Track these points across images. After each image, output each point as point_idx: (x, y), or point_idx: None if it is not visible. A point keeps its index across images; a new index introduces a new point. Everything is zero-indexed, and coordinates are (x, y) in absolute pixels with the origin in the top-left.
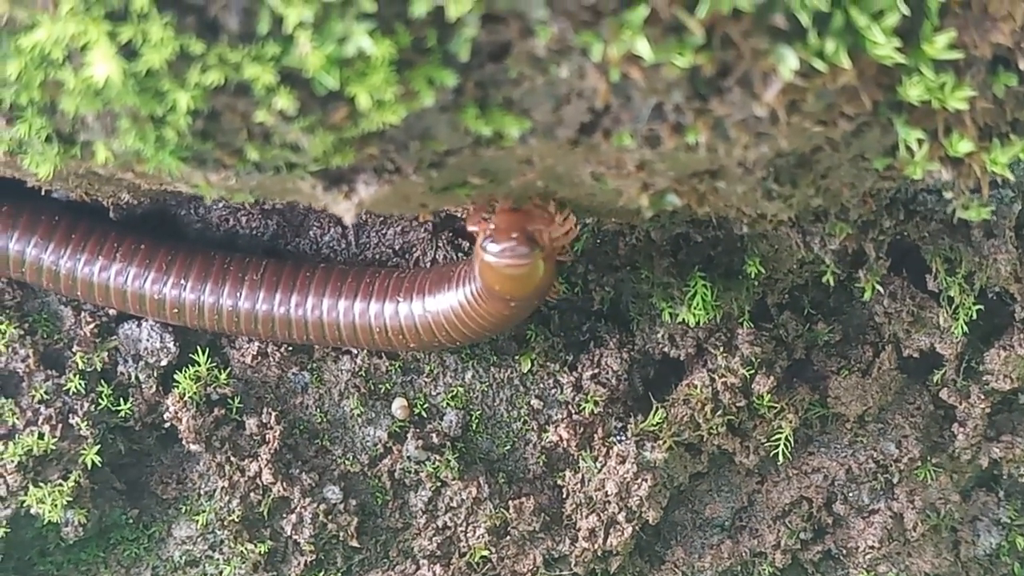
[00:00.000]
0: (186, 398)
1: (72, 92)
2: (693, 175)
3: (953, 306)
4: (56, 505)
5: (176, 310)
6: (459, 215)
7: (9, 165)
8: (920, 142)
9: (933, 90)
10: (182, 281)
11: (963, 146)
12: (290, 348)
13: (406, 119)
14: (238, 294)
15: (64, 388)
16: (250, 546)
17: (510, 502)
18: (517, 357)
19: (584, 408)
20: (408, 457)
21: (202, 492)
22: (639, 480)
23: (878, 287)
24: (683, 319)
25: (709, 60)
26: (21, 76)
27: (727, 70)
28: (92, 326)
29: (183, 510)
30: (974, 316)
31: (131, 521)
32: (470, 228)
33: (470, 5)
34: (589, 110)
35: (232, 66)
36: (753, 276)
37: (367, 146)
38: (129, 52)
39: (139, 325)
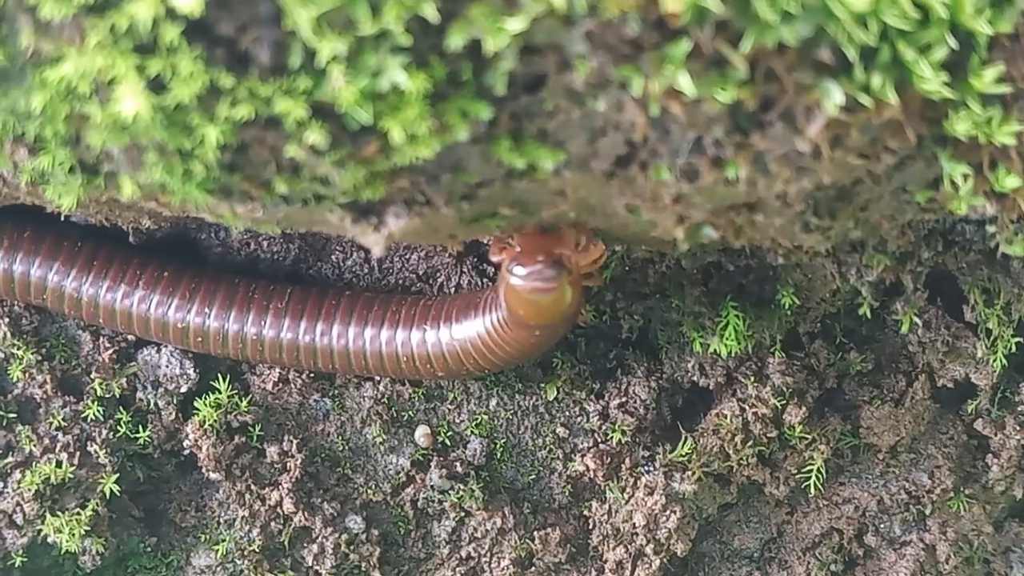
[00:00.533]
0: (206, 426)
1: (98, 126)
2: (730, 208)
3: (991, 338)
4: (74, 534)
5: (200, 338)
6: (485, 242)
7: (31, 194)
8: (965, 177)
9: (980, 125)
10: (206, 309)
11: (1009, 181)
12: (311, 374)
13: (438, 151)
14: (263, 322)
15: (82, 415)
16: None
17: (535, 533)
18: (543, 384)
19: (611, 437)
20: (431, 486)
21: (222, 521)
22: (667, 512)
23: (915, 319)
24: (714, 349)
25: (751, 94)
26: (46, 109)
27: (769, 104)
28: (111, 352)
29: (202, 539)
30: (1013, 349)
31: (149, 549)
32: (493, 258)
33: (508, 39)
34: (626, 143)
35: (263, 100)
36: (787, 307)
37: (398, 179)
38: (157, 86)
39: (158, 351)
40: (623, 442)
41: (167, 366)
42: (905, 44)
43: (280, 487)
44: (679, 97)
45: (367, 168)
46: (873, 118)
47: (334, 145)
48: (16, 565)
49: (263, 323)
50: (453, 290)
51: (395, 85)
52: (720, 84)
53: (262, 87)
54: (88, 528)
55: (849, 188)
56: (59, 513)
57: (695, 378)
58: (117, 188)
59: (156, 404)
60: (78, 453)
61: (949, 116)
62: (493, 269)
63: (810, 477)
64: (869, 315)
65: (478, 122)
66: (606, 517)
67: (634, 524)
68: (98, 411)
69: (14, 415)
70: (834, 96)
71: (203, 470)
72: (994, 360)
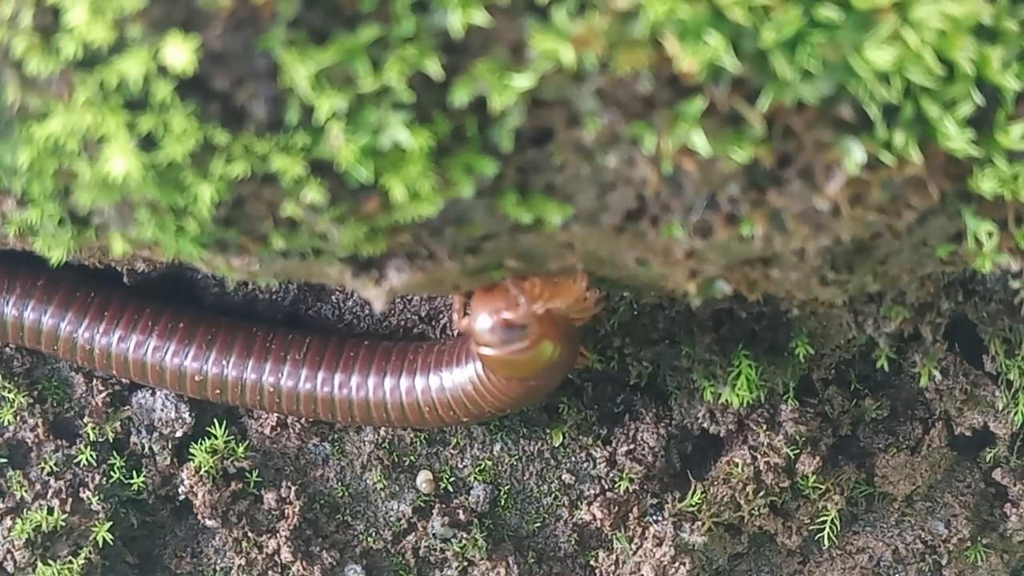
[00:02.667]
0: (202, 472)
1: (87, 184)
2: (745, 262)
3: (1012, 389)
4: None
5: (219, 390)
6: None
7: (20, 241)
8: (990, 234)
9: (1006, 182)
10: (224, 359)
11: None
12: (308, 420)
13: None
14: (265, 369)
15: (75, 459)
16: None
17: None
18: (548, 430)
19: (619, 485)
20: (433, 534)
21: (218, 568)
22: (677, 563)
23: (934, 371)
24: (726, 399)
25: (768, 152)
26: (33, 165)
27: (787, 161)
28: (104, 395)
29: None
30: None
31: None
32: (461, 328)
33: (515, 97)
34: (636, 197)
35: (259, 157)
36: (801, 356)
37: (400, 234)
38: (149, 143)
39: (153, 394)
40: (631, 490)
41: (162, 410)
42: (929, 100)
43: (278, 534)
44: (693, 155)
45: (368, 224)
46: (895, 175)
47: (333, 202)
48: None
49: (265, 370)
50: (456, 333)
51: (396, 142)
52: (736, 142)
53: (258, 144)
54: None
55: (868, 242)
56: (51, 561)
57: (705, 425)
58: (107, 244)
59: (151, 448)
60: (70, 499)
61: (974, 173)
62: None
63: (824, 528)
64: (887, 367)
65: (483, 178)
66: (613, 568)
67: (642, 575)
68: (91, 455)
69: (5, 459)
70: (855, 154)
71: (199, 516)
72: (1016, 412)
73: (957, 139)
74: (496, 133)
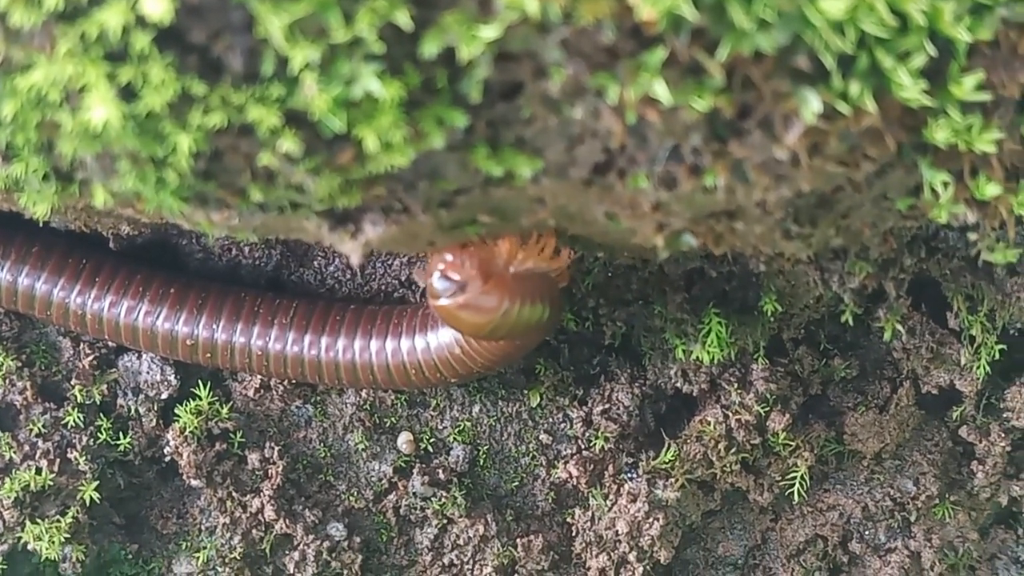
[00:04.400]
0: (187, 432)
1: (70, 134)
2: (710, 215)
3: (975, 345)
4: (54, 541)
5: (209, 353)
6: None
7: (6, 200)
8: (945, 184)
9: (960, 132)
10: (214, 323)
11: (990, 189)
12: (293, 381)
13: (415, 159)
14: (252, 333)
15: (62, 421)
16: None
17: (518, 540)
18: (526, 391)
19: (594, 444)
20: (414, 493)
21: (203, 528)
22: (651, 519)
23: (898, 326)
24: (697, 356)
25: (729, 102)
26: (17, 117)
27: (747, 112)
28: (91, 358)
29: (183, 546)
30: (997, 356)
31: (130, 556)
32: (420, 282)
33: (482, 47)
34: (603, 150)
35: (235, 108)
36: (769, 314)
37: (374, 186)
38: (129, 94)
39: (139, 357)
40: (606, 449)
41: (148, 372)
42: (883, 52)
43: (261, 494)
44: (655, 105)
45: (342, 176)
46: (852, 126)
47: (308, 153)
48: None
49: (253, 334)
50: None
51: (368, 93)
52: (697, 92)
53: (235, 95)
54: (68, 535)
55: (830, 195)
56: (39, 520)
57: (678, 384)
58: (91, 196)
59: (137, 411)
60: (58, 460)
61: (928, 124)
62: None
63: (794, 484)
64: (852, 322)
65: (454, 130)
66: (589, 524)
67: (617, 531)
68: (78, 417)
69: None
70: (812, 104)
71: (184, 477)
72: (977, 367)
73: (911, 89)
74: (465, 84)
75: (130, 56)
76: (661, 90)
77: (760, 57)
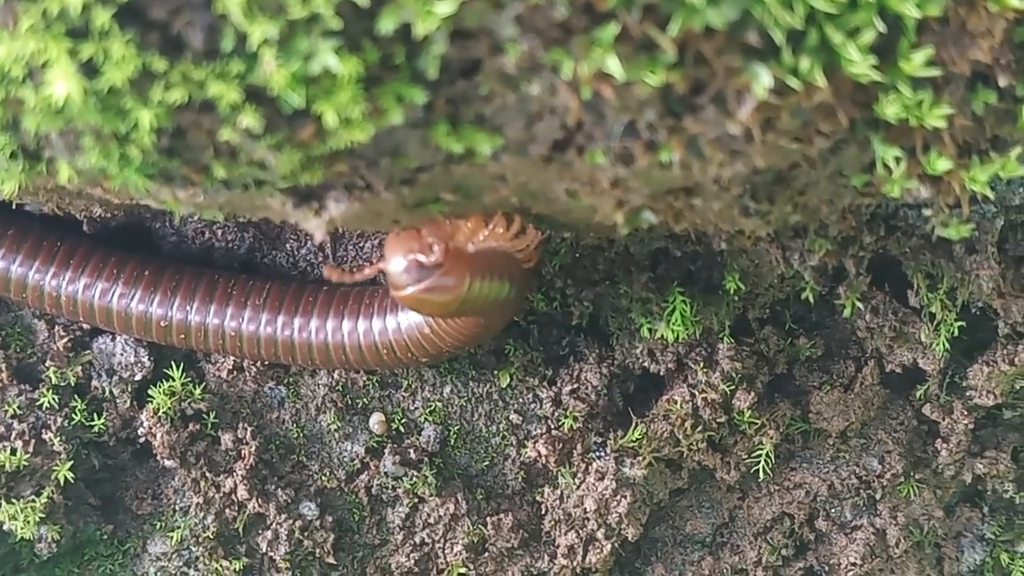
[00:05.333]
0: (160, 413)
1: (33, 110)
2: (668, 192)
3: (935, 322)
4: (29, 521)
5: (183, 335)
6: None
7: None
8: (898, 160)
9: (910, 108)
10: (188, 305)
11: (941, 164)
12: (266, 363)
13: (376, 136)
14: (241, 316)
15: (37, 403)
16: (225, 563)
17: (488, 519)
18: (496, 372)
19: (563, 423)
20: (385, 473)
21: (177, 508)
22: (618, 496)
23: (858, 303)
24: (662, 335)
25: (681, 78)
26: None
27: (700, 88)
28: (66, 340)
29: (158, 526)
30: (956, 332)
31: (105, 537)
32: (372, 273)
33: (437, 22)
34: (562, 127)
35: (196, 84)
36: (733, 292)
37: (336, 163)
38: (90, 70)
39: (113, 339)
40: (575, 428)
41: (122, 354)
42: (833, 27)
43: (234, 474)
44: (609, 80)
45: (303, 152)
46: (803, 101)
47: (269, 129)
48: None
49: (227, 315)
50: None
51: (327, 68)
52: (649, 67)
53: (195, 71)
54: (43, 515)
55: (786, 172)
56: (14, 500)
57: (646, 364)
58: (56, 173)
59: (111, 392)
60: (33, 441)
61: (879, 99)
62: None
63: (759, 461)
64: (812, 300)
65: (413, 106)
66: (558, 502)
67: (585, 509)
68: (53, 399)
69: None
70: (763, 79)
71: (158, 458)
72: (937, 344)
73: (861, 65)
74: (423, 61)
75: (91, 32)
76: (614, 65)
77: (711, 33)
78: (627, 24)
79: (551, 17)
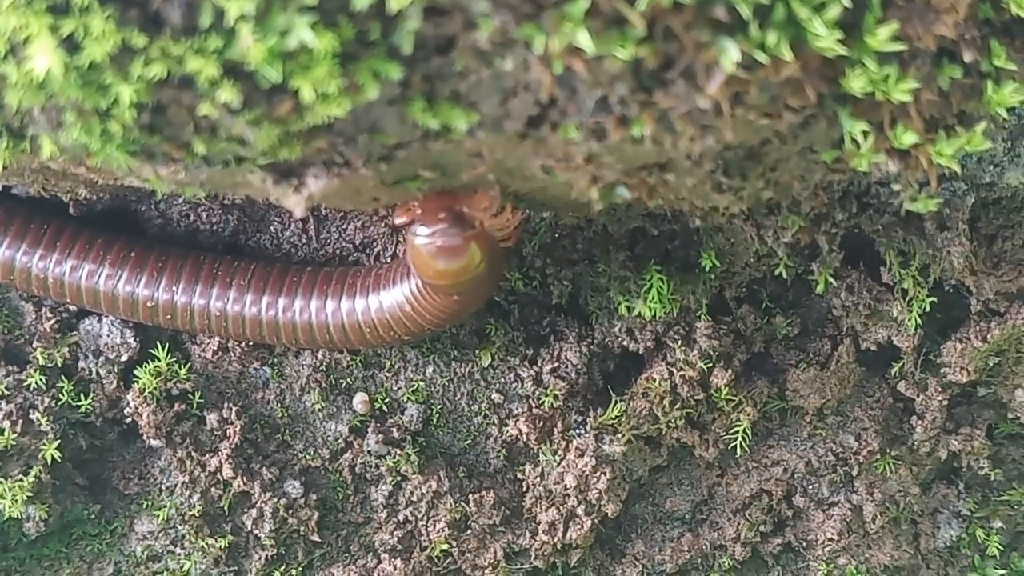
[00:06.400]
0: (146, 393)
1: (15, 86)
2: (642, 168)
3: (907, 299)
4: (17, 500)
5: (169, 315)
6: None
7: None
8: (865, 134)
9: (877, 82)
10: (174, 286)
11: (908, 138)
12: (251, 343)
13: (353, 112)
14: (227, 296)
15: (24, 383)
16: (211, 541)
17: (470, 496)
18: (478, 351)
19: (544, 402)
20: (369, 451)
21: (163, 487)
22: (598, 473)
23: (832, 280)
24: (639, 313)
25: (652, 52)
26: None
27: (670, 62)
28: (52, 322)
29: (144, 505)
30: (928, 309)
31: (93, 516)
32: (397, 221)
33: None
34: (536, 103)
35: (175, 59)
36: (708, 269)
37: (314, 139)
38: (71, 45)
39: (99, 321)
40: (555, 406)
41: (108, 335)
42: (799, 2)
43: (220, 453)
44: (581, 55)
45: (282, 127)
46: (771, 76)
47: (247, 104)
48: None
49: (212, 295)
50: (389, 259)
51: (303, 43)
52: (619, 42)
53: (174, 46)
54: (31, 494)
55: (757, 148)
56: (2, 480)
57: (625, 343)
58: (39, 149)
59: (98, 373)
60: (21, 421)
61: (846, 74)
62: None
63: (737, 438)
64: (787, 277)
65: (389, 82)
66: (539, 480)
67: (565, 486)
68: (40, 380)
69: None
70: (731, 53)
71: (144, 437)
72: (910, 319)
73: (827, 39)
74: (398, 37)
75: (72, 8)
76: (584, 40)
77: (679, 7)
78: None
79: None
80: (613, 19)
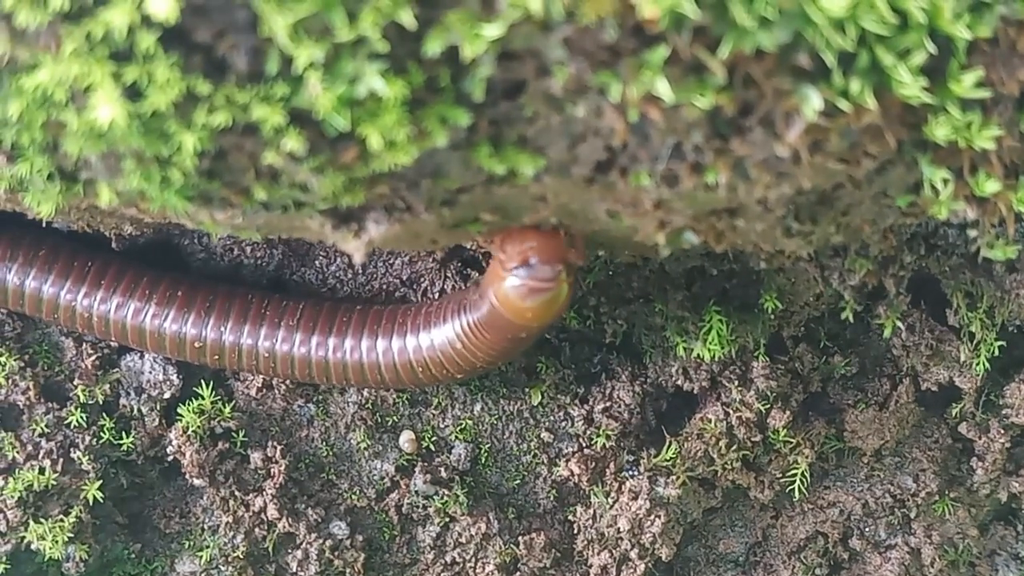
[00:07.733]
0: (189, 432)
1: (75, 133)
2: (711, 213)
3: (975, 341)
4: (57, 541)
5: (216, 355)
6: (468, 247)
7: (10, 200)
8: (945, 181)
9: (960, 129)
10: (222, 325)
11: (990, 186)
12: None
13: (418, 158)
14: (275, 336)
15: (65, 421)
16: None
17: (520, 538)
18: (527, 389)
19: (596, 442)
20: (416, 491)
21: (206, 527)
22: (652, 516)
23: (897, 323)
24: (698, 353)
25: (730, 100)
26: (23, 116)
27: (748, 109)
28: (94, 358)
29: (186, 545)
30: (996, 352)
31: (133, 556)
32: (487, 245)
33: (485, 45)
34: (605, 148)
35: (240, 107)
36: (770, 310)
37: (378, 185)
38: (134, 93)
39: (141, 357)
40: (607, 446)
41: (150, 372)
42: (884, 49)
43: (264, 493)
44: (658, 103)
45: (346, 174)
46: (852, 123)
47: (312, 152)
48: (0, 573)
49: (261, 335)
50: (437, 295)
51: (372, 91)
52: (698, 90)
53: (239, 94)
54: (72, 535)
55: (830, 193)
56: (42, 520)
57: (679, 382)
58: (96, 195)
59: (139, 410)
60: (61, 460)
61: (929, 121)
62: (477, 272)
63: (795, 481)
64: (852, 319)
65: (457, 128)
66: (591, 522)
67: (619, 529)
68: (81, 417)
69: None
70: (813, 101)
71: (187, 476)
72: (977, 364)
73: (911, 87)
74: (468, 83)
75: (135, 55)
76: (663, 88)
77: (761, 55)
78: (677, 46)
79: (600, 40)
80: (692, 67)
